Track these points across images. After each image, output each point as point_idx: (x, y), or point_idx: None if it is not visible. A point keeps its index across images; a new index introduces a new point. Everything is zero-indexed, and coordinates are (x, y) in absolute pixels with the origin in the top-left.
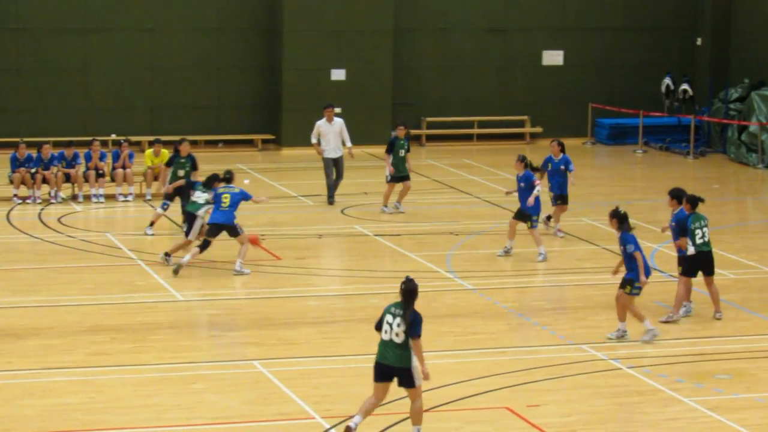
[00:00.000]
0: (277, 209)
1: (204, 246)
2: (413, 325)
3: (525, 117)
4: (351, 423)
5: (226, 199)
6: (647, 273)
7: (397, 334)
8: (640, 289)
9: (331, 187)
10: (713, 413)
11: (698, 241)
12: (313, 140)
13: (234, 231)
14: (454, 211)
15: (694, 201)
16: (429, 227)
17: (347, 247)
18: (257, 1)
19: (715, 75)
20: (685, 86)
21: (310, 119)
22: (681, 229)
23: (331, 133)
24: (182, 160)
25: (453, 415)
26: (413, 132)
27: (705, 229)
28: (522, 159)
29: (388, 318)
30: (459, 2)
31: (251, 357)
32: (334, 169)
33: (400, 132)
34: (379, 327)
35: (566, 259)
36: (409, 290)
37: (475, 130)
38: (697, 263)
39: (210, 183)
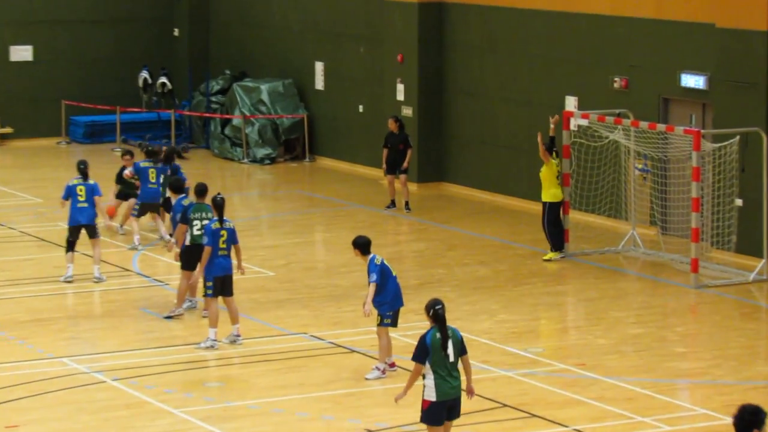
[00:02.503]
0: None
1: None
2: None
3: None
4: None
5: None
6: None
7: None
8: (213, 289)
9: None
10: (205, 423)
11: (195, 232)
12: None
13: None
14: None
15: (200, 190)
16: None
17: None
18: None
19: (194, 67)
20: (163, 79)
21: None
22: (182, 218)
23: None
24: None
25: None
26: None
27: (205, 221)
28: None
29: None
30: None
31: None
32: None
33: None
34: None
35: (43, 267)
36: None
37: None
38: (195, 255)
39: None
